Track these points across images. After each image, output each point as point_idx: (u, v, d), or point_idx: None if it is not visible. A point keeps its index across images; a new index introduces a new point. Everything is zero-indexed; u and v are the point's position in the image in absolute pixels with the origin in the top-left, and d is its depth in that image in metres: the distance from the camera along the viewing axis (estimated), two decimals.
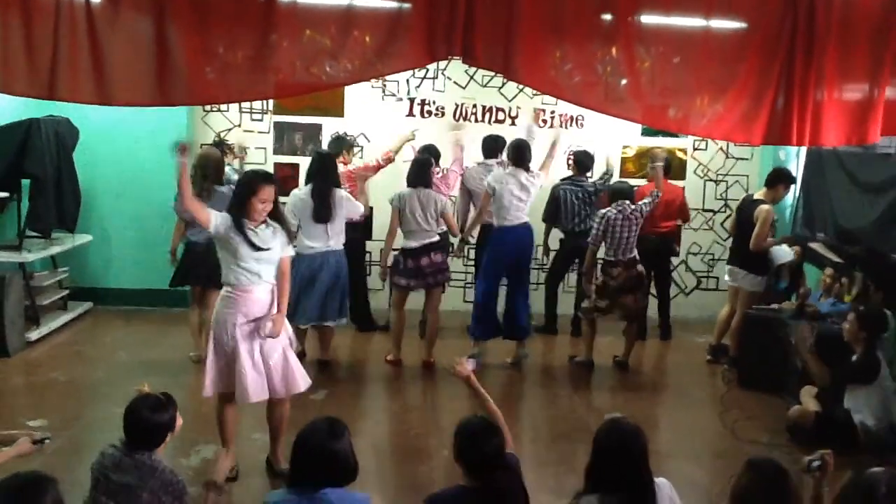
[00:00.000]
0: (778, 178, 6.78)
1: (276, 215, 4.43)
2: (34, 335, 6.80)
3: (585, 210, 7.35)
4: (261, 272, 4.32)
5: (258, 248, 4.25)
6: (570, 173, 7.70)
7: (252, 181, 4.33)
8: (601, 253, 6.68)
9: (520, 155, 6.58)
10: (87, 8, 4.54)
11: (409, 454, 5.12)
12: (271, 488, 4.46)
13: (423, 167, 6.53)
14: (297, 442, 2.98)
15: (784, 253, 6.75)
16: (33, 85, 4.55)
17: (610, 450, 3.07)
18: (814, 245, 7.03)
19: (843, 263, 6.57)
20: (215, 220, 4.24)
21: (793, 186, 7.13)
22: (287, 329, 4.56)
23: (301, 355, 6.47)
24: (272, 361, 4.39)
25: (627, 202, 6.54)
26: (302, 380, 4.53)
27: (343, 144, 7.31)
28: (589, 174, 7.69)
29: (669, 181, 7.70)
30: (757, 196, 6.81)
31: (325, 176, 6.13)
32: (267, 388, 4.40)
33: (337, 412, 5.44)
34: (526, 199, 6.50)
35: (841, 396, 5.29)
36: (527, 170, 6.55)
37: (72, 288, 7.75)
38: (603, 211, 6.59)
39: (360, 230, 7.05)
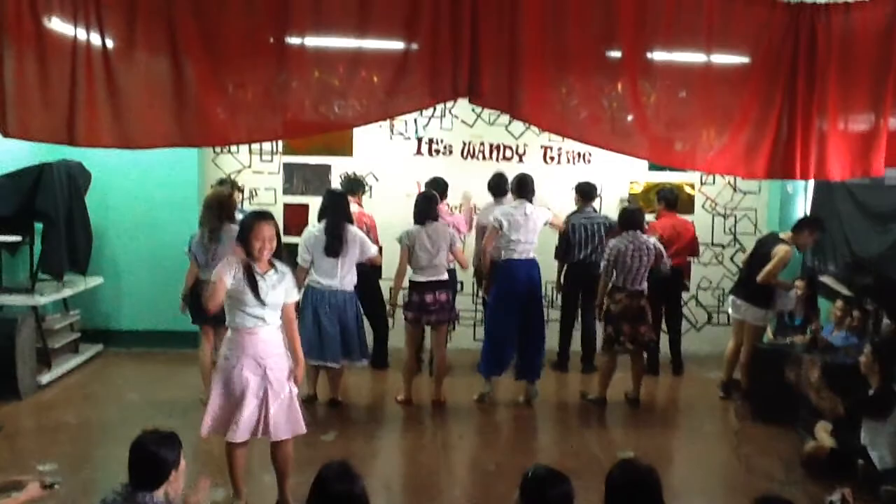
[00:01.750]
0: (804, 224, 6.74)
1: (279, 255, 4.40)
2: (46, 378, 6.81)
3: (594, 242, 7.34)
4: (265, 317, 4.33)
5: (262, 299, 4.26)
6: (575, 207, 7.71)
7: (250, 220, 4.36)
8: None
9: (523, 187, 6.61)
10: (104, 51, 4.58)
11: (421, 494, 5.07)
12: None
13: (428, 202, 6.52)
14: (316, 485, 2.95)
15: (790, 301, 6.76)
16: (53, 131, 4.56)
17: (623, 491, 3.03)
18: (824, 279, 7.01)
19: (854, 296, 6.54)
20: (227, 278, 4.22)
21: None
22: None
23: (313, 398, 6.48)
24: (279, 402, 4.38)
25: (638, 232, 6.54)
26: (303, 422, 4.53)
27: (356, 187, 7.38)
28: (594, 204, 7.70)
29: (678, 215, 7.75)
30: (782, 235, 6.78)
31: (337, 212, 6.18)
32: (256, 429, 4.38)
33: (347, 452, 5.47)
34: (533, 232, 6.50)
35: (857, 431, 5.23)
36: (531, 202, 6.58)
37: (83, 330, 7.78)
38: (613, 242, 6.58)
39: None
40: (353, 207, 6.76)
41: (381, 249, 7.11)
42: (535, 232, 6.54)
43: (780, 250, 6.52)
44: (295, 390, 4.50)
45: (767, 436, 6.07)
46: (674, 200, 7.70)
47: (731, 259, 8.49)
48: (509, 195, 7.01)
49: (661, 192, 7.79)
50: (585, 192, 7.59)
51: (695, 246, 7.78)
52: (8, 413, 6.13)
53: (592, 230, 7.39)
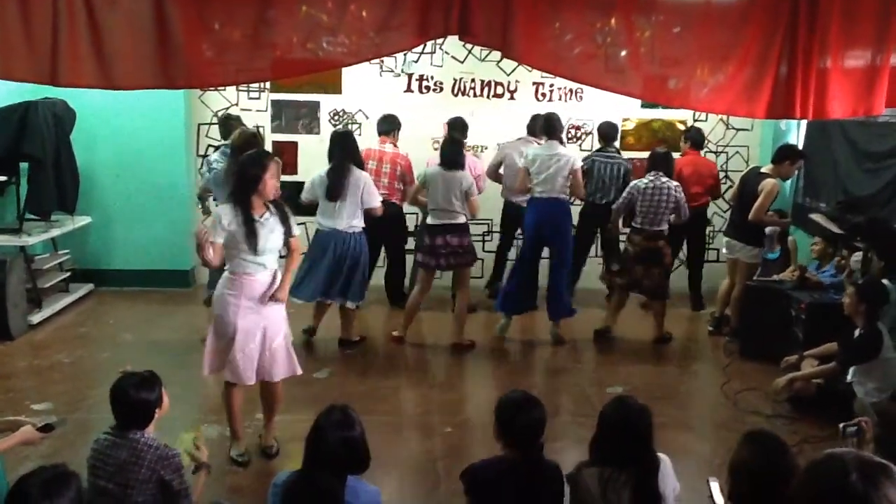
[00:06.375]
0: (784, 155, 6.71)
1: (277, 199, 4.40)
2: (37, 318, 6.81)
3: (612, 185, 7.34)
4: (265, 262, 4.33)
5: (259, 247, 4.24)
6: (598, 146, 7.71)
7: (259, 161, 4.30)
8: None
9: (552, 127, 6.60)
10: None
11: (413, 431, 5.14)
12: (272, 468, 4.48)
13: (455, 147, 6.43)
14: (313, 429, 2.96)
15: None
16: (35, 71, 4.45)
17: (615, 427, 3.08)
18: (815, 217, 6.99)
19: (845, 234, 6.54)
20: (221, 232, 4.21)
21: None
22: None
23: (311, 332, 6.49)
24: (274, 345, 4.41)
25: (661, 174, 6.52)
26: (297, 364, 4.57)
27: (392, 126, 7.23)
28: (616, 144, 7.70)
29: (700, 153, 7.83)
30: (764, 170, 6.75)
31: (343, 154, 6.09)
32: (256, 373, 4.40)
33: (340, 391, 5.51)
34: (558, 174, 6.47)
35: (843, 369, 5.26)
36: (560, 142, 6.61)
37: (73, 270, 7.75)
38: (635, 182, 6.62)
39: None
40: (388, 147, 6.73)
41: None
42: (562, 175, 6.49)
43: (766, 185, 6.50)
44: (288, 333, 4.53)
45: (755, 372, 6.13)
46: (700, 140, 7.73)
47: (723, 196, 8.46)
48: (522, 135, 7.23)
49: (688, 132, 7.83)
50: (606, 134, 7.59)
51: (717, 187, 7.83)
52: (0, 353, 6.14)
53: (612, 172, 7.37)
